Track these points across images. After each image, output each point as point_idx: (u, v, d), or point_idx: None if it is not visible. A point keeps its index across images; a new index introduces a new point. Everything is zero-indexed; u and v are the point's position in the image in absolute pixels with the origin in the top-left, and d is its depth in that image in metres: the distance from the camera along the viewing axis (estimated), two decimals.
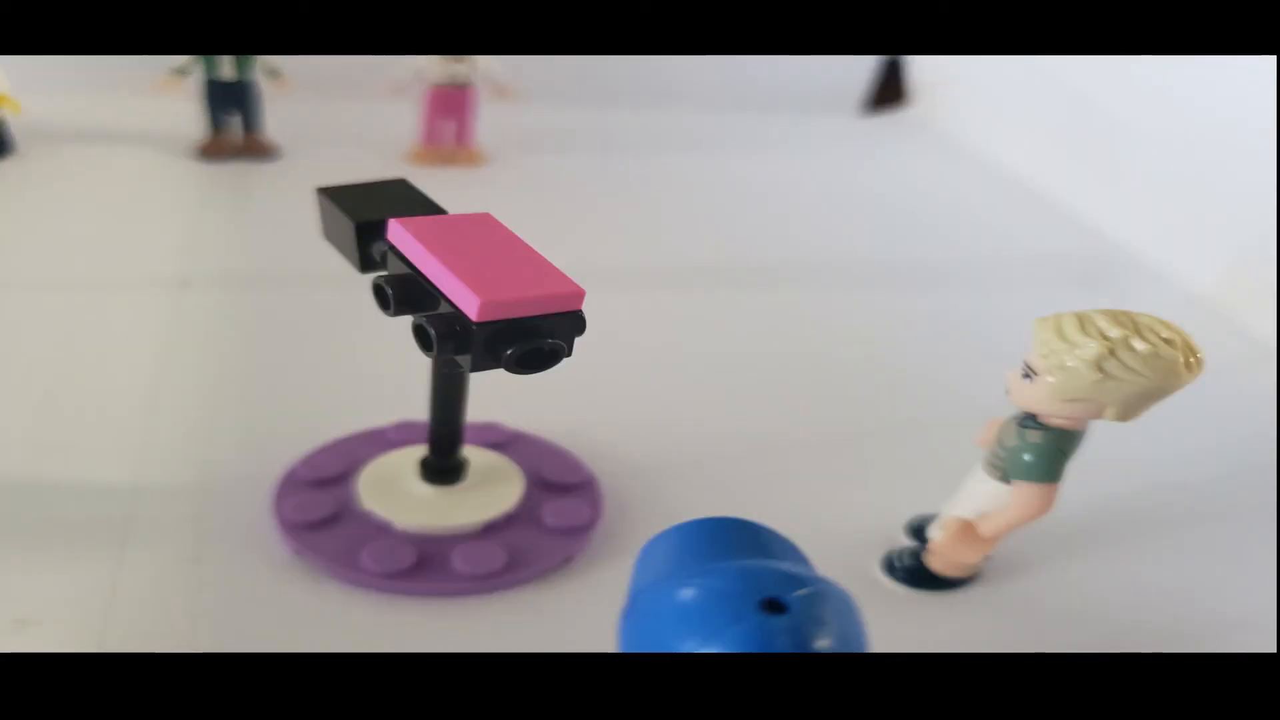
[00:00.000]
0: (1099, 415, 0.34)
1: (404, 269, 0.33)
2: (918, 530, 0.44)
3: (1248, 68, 0.72)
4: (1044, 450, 0.36)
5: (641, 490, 0.45)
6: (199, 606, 0.37)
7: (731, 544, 0.26)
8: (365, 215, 0.35)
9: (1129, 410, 0.34)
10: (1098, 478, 0.44)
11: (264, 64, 0.77)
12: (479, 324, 0.30)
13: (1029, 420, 0.36)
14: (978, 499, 0.39)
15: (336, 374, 0.52)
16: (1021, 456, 0.36)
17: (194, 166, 0.76)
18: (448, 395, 0.39)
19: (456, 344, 0.31)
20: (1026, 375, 0.35)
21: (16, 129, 0.75)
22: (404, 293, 0.33)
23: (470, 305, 0.30)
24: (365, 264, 0.36)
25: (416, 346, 0.31)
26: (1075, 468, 0.36)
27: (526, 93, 0.83)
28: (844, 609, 0.24)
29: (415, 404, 0.45)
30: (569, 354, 0.33)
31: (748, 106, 1.06)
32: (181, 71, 0.75)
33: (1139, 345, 0.32)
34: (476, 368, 0.31)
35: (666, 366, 0.57)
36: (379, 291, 0.33)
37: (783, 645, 0.22)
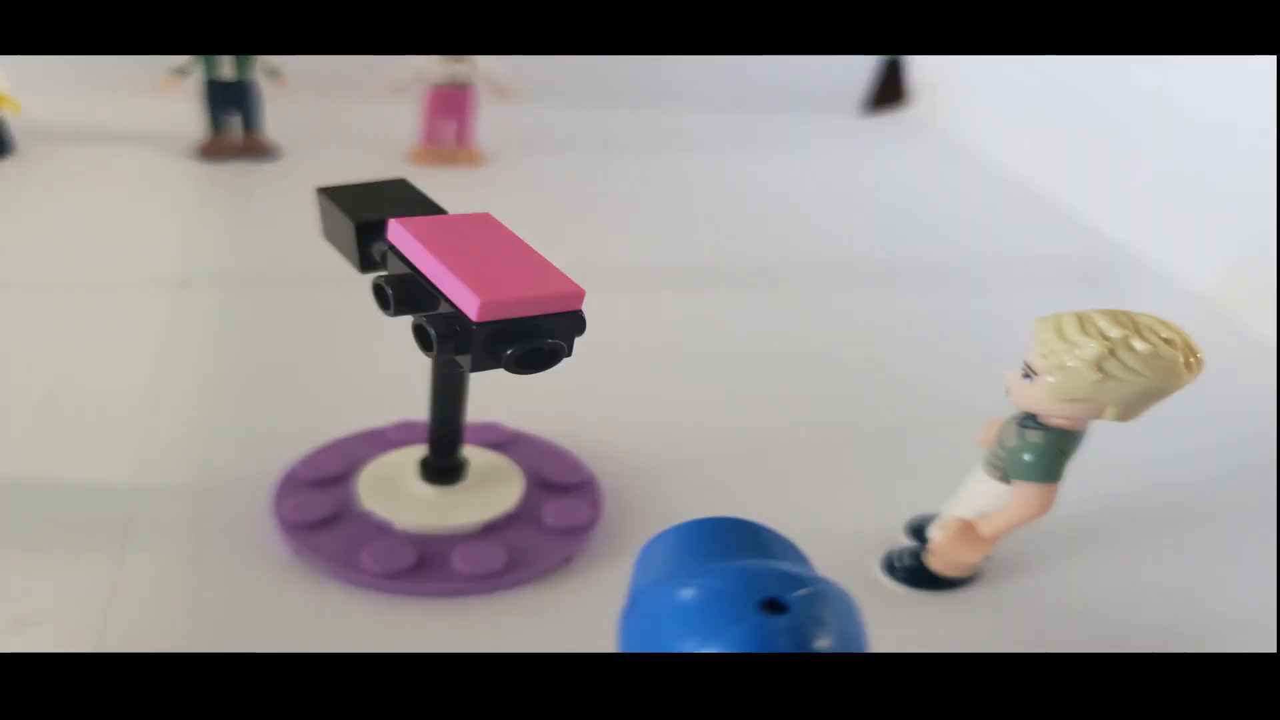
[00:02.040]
0: (1099, 415, 0.34)
1: (404, 269, 0.33)
2: (918, 530, 0.44)
3: (1248, 68, 0.72)
4: (1044, 450, 0.36)
5: (641, 490, 0.45)
6: (199, 606, 0.37)
7: (731, 544, 0.26)
8: (365, 215, 0.35)
9: (1129, 410, 0.34)
10: (1098, 478, 0.45)
11: (264, 64, 0.77)
12: (479, 324, 0.30)
13: (1029, 420, 0.36)
14: (978, 499, 0.39)
15: (336, 374, 0.52)
16: (1021, 456, 0.36)
17: (194, 166, 0.76)
18: (448, 395, 0.39)
19: (456, 344, 0.31)
20: (1026, 375, 0.35)
21: (16, 129, 0.75)
22: (404, 293, 0.33)
23: (470, 305, 0.30)
24: (365, 264, 0.36)
25: (416, 346, 0.31)
26: (1075, 468, 0.36)
27: (526, 93, 0.83)
28: (844, 609, 0.24)
29: (415, 404, 0.45)
30: (569, 354, 0.33)
31: (748, 106, 1.05)
32: (181, 71, 0.75)
33: (1139, 345, 0.32)
34: (476, 368, 0.31)
35: (666, 366, 0.57)
36: (379, 291, 0.33)
37: (783, 645, 0.22)
